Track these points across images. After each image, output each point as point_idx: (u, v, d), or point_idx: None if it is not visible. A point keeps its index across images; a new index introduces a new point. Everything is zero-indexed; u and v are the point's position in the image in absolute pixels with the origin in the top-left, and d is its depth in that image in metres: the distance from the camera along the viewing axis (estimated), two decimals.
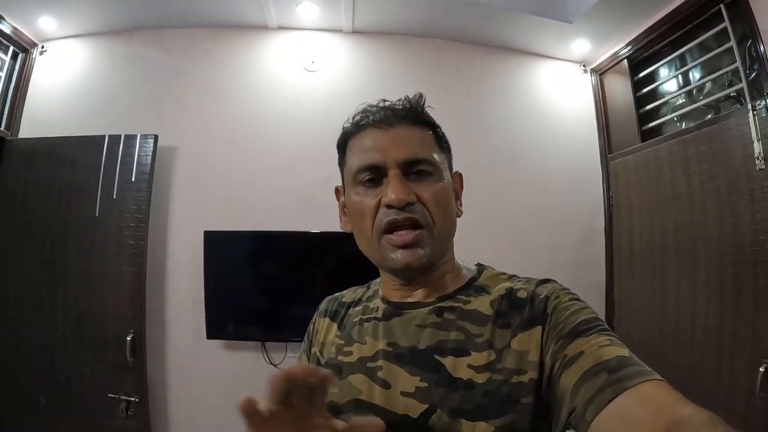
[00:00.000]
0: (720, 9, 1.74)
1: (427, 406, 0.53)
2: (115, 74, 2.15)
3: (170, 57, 2.15)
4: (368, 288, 0.73)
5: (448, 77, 2.22)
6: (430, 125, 0.64)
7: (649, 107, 2.10)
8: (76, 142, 2.01)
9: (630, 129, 2.14)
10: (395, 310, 0.63)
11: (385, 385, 0.57)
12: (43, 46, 2.26)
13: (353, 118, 0.64)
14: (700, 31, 1.88)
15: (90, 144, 1.98)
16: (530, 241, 2.16)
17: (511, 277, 0.64)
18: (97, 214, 1.90)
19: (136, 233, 1.86)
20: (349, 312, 0.70)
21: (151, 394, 1.89)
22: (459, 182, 0.69)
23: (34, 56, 2.27)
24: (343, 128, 0.66)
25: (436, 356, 0.55)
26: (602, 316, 2.05)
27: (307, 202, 1.97)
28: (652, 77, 2.12)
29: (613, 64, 2.23)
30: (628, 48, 2.12)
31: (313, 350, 0.71)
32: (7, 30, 2.12)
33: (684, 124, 1.97)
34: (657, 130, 2.08)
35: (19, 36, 2.20)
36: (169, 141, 2.00)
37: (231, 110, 2.08)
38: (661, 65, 2.07)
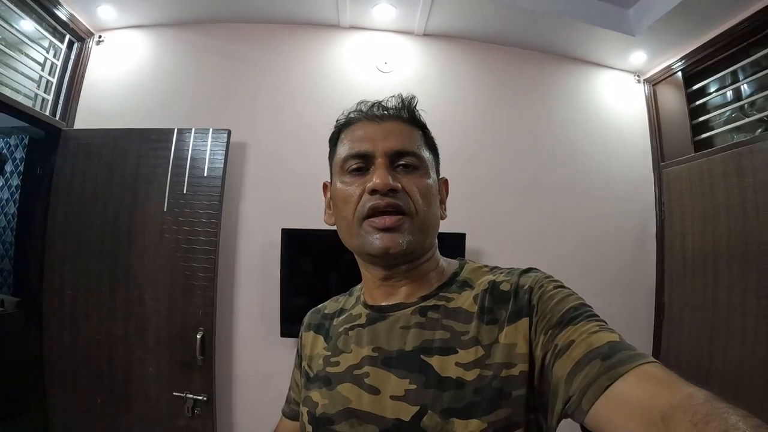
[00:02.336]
0: None
1: (418, 408, 0.55)
2: (179, 67, 2.29)
3: (240, 51, 2.29)
4: (350, 295, 0.77)
5: (513, 82, 2.44)
6: (420, 125, 0.70)
7: (701, 119, 2.33)
8: (140, 134, 2.13)
9: (683, 139, 2.38)
10: (378, 314, 0.66)
11: (374, 390, 0.60)
12: (100, 36, 2.38)
13: (347, 114, 0.70)
14: (754, 48, 2.11)
15: (157, 137, 2.11)
16: (583, 246, 2.39)
17: (492, 269, 0.67)
18: (165, 209, 2.04)
19: (209, 229, 2.00)
20: (333, 323, 0.73)
21: (217, 393, 2.03)
22: (445, 188, 0.73)
23: (90, 46, 2.39)
24: (336, 122, 0.71)
25: (422, 357, 0.58)
26: (651, 319, 2.30)
27: None
28: (704, 90, 2.35)
29: (666, 75, 2.47)
30: (683, 61, 2.35)
31: (303, 365, 0.75)
32: (63, 17, 2.24)
33: (735, 137, 2.21)
34: (709, 141, 2.32)
35: (75, 24, 2.31)
36: (239, 136, 2.15)
37: (304, 107, 2.23)
38: (714, 80, 2.30)
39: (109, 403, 2.10)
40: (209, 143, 2.06)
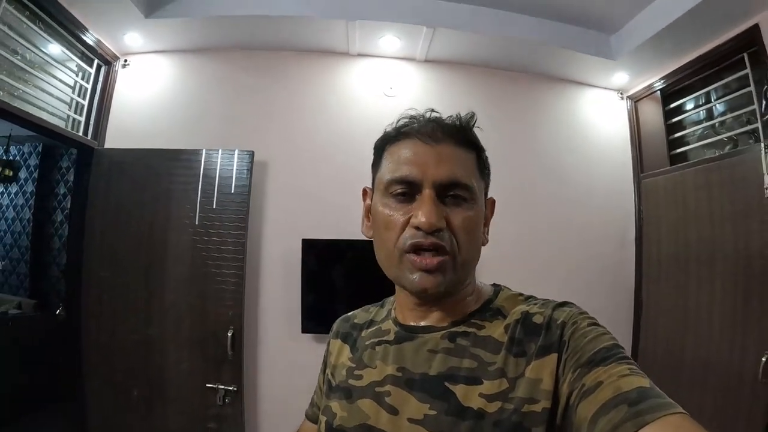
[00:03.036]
0: (743, 56, 2.30)
1: None
2: (202, 90, 2.58)
3: (259, 76, 2.59)
4: (382, 307, 0.78)
5: (506, 102, 2.77)
6: (476, 148, 0.67)
7: (677, 135, 2.67)
8: (170, 154, 2.42)
9: (660, 152, 2.71)
10: (407, 333, 0.66)
11: (393, 410, 0.60)
12: (125, 60, 2.64)
13: (397, 122, 0.67)
14: (725, 72, 2.44)
15: (187, 157, 2.40)
16: (570, 249, 2.73)
17: (527, 299, 0.67)
18: (196, 222, 2.34)
19: (237, 240, 2.31)
20: (362, 334, 0.74)
21: (245, 384, 2.35)
22: (491, 209, 0.71)
23: (116, 69, 2.65)
24: (385, 131, 0.68)
25: (446, 384, 0.58)
26: (631, 315, 2.65)
27: None
28: (680, 108, 2.69)
29: (647, 93, 2.80)
30: (662, 81, 2.68)
31: (327, 372, 0.76)
32: (90, 42, 2.49)
33: (707, 153, 2.55)
34: (684, 156, 2.66)
35: (102, 49, 2.57)
36: (260, 156, 2.45)
37: (318, 129, 2.54)
38: (689, 99, 2.63)
39: (144, 395, 2.40)
40: (235, 163, 2.35)
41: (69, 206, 3.90)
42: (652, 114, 2.81)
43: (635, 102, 2.91)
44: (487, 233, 0.70)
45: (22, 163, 4.01)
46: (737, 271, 2.21)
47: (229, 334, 2.28)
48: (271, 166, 2.52)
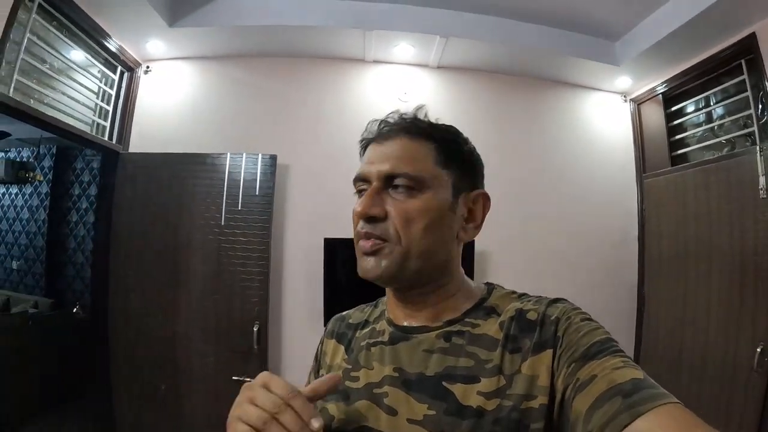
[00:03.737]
0: (741, 63, 2.49)
1: None
2: (223, 96, 2.77)
3: (279, 82, 2.78)
4: (375, 307, 0.79)
5: (514, 106, 2.98)
6: (431, 138, 0.67)
7: (678, 137, 2.87)
8: (195, 158, 2.60)
9: (662, 154, 2.91)
10: (402, 333, 0.68)
11: (391, 411, 0.62)
12: (147, 66, 2.81)
13: (367, 130, 0.72)
14: (724, 78, 2.63)
15: (212, 161, 2.58)
16: (575, 246, 2.94)
17: (520, 297, 0.68)
18: (222, 223, 2.52)
19: (261, 239, 2.50)
20: (356, 335, 0.75)
21: None
22: (482, 203, 0.72)
23: (138, 75, 2.81)
24: (360, 141, 0.73)
25: (444, 383, 0.60)
26: (634, 309, 2.86)
27: None
28: (681, 111, 2.88)
29: (650, 97, 3.00)
30: (664, 85, 2.87)
31: (320, 372, 0.78)
32: (113, 48, 2.65)
33: (706, 154, 2.74)
34: (684, 157, 2.86)
35: (124, 55, 2.73)
36: (283, 159, 2.64)
37: (336, 132, 2.72)
38: (690, 102, 2.83)
39: (171, 388, 2.58)
40: (259, 166, 2.54)
41: (84, 207, 4.07)
42: (654, 116, 3.01)
43: (638, 105, 3.11)
44: (476, 227, 0.71)
45: (36, 164, 4.17)
46: (733, 268, 2.39)
47: (255, 329, 2.47)
48: (293, 169, 2.71)
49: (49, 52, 2.38)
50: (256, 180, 2.53)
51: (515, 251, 2.84)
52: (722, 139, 2.67)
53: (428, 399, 0.60)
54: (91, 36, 2.54)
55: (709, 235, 2.55)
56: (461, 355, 0.62)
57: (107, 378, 2.63)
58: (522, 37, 2.67)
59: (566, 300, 0.66)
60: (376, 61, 2.84)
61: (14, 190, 4.31)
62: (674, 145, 2.91)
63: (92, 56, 2.66)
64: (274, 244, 2.59)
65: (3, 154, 4.39)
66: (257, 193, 2.52)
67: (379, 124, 0.70)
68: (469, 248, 2.66)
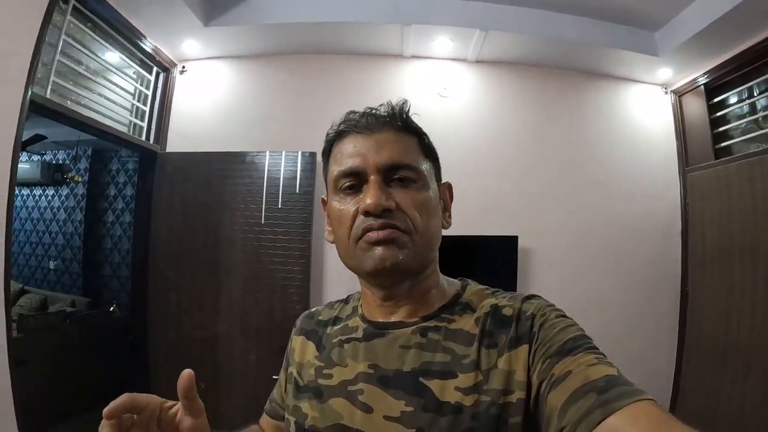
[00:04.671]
0: None
1: (414, 431, 0.57)
2: (260, 94, 2.79)
3: (315, 79, 2.79)
4: (346, 303, 0.77)
5: (553, 100, 2.95)
6: (416, 133, 0.68)
7: (721, 129, 2.80)
8: (233, 156, 2.61)
9: (705, 146, 2.85)
10: (377, 330, 0.67)
11: (367, 409, 0.61)
12: (183, 66, 2.83)
13: (337, 125, 0.68)
14: (767, 68, 2.55)
15: (251, 159, 2.59)
16: (618, 241, 2.90)
17: (494, 293, 0.68)
18: (262, 221, 2.53)
19: (302, 237, 2.51)
20: (327, 331, 0.73)
21: None
22: (449, 193, 0.73)
23: (174, 75, 2.83)
24: (327, 135, 0.70)
25: (421, 379, 0.60)
26: (677, 304, 2.80)
27: None
28: (724, 103, 2.81)
29: (691, 88, 2.93)
30: (706, 76, 2.81)
31: (290, 370, 0.75)
32: (149, 49, 2.68)
33: (751, 147, 2.67)
34: (728, 149, 2.79)
35: (160, 56, 2.76)
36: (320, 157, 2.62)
37: None
38: (733, 93, 2.76)
39: (211, 388, 2.60)
40: (299, 163, 2.54)
41: (120, 207, 4.12)
42: (696, 108, 2.95)
43: (679, 96, 3.04)
44: (449, 217, 0.72)
45: (73, 166, 4.24)
46: None
47: None
48: None
49: (84, 53, 2.42)
50: (296, 178, 2.54)
51: (558, 247, 2.81)
52: (767, 130, 2.59)
53: (405, 395, 0.59)
54: (126, 37, 2.58)
55: (754, 229, 2.50)
56: (438, 351, 0.61)
57: (146, 377, 2.67)
58: (560, 28, 2.64)
59: (541, 296, 0.66)
60: (415, 56, 2.83)
61: (51, 191, 4.39)
62: (717, 138, 2.84)
63: (128, 57, 2.69)
64: (315, 243, 2.59)
65: (39, 156, 4.47)
66: (297, 191, 2.53)
67: (360, 116, 0.67)
68: (512, 245, 2.62)
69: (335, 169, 0.66)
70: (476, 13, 2.53)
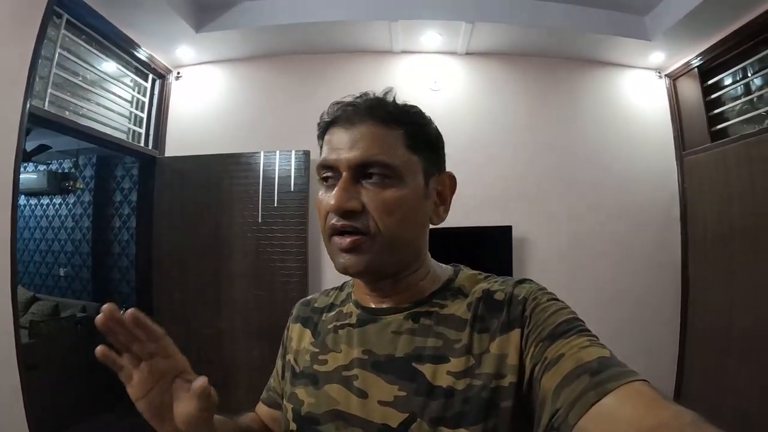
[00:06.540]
0: None
1: (407, 415, 0.58)
2: (254, 96, 2.87)
3: (307, 79, 2.86)
4: (341, 290, 0.79)
5: (547, 88, 2.98)
6: (400, 123, 0.65)
7: (717, 111, 2.79)
8: (229, 158, 2.69)
9: (701, 129, 2.85)
10: (370, 316, 0.68)
11: (362, 394, 0.62)
12: (178, 72, 2.91)
13: (327, 111, 0.68)
14: (761, 46, 2.54)
15: (246, 160, 2.67)
16: (616, 229, 2.91)
17: (487, 278, 0.69)
18: (260, 220, 2.60)
19: (299, 235, 2.59)
20: (323, 318, 0.75)
21: None
22: (448, 184, 0.71)
23: (169, 81, 2.92)
24: (318, 123, 0.69)
25: (413, 364, 0.61)
26: (678, 291, 2.80)
27: None
28: (718, 84, 2.81)
29: (685, 71, 2.94)
30: (699, 58, 2.81)
31: (287, 357, 0.77)
32: (143, 57, 2.76)
33: (746, 127, 2.66)
34: (724, 131, 2.78)
35: (155, 63, 2.84)
36: (316, 155, 2.67)
37: None
38: (727, 74, 2.75)
39: (217, 385, 2.67)
40: (293, 162, 2.61)
41: (126, 213, 4.24)
42: (690, 91, 2.95)
43: (673, 80, 3.04)
44: (445, 211, 0.70)
45: (78, 174, 4.37)
46: None
47: None
48: None
49: (80, 65, 2.51)
50: (290, 177, 2.61)
51: (553, 235, 2.84)
52: (762, 111, 2.59)
53: (398, 380, 0.60)
54: (120, 47, 2.66)
55: (754, 213, 2.49)
56: (430, 336, 0.62)
57: None
58: (548, 17, 2.66)
59: (532, 280, 0.66)
60: (405, 52, 2.88)
61: (58, 200, 4.54)
62: (713, 120, 2.83)
63: (123, 66, 2.78)
64: (312, 239, 2.66)
65: (45, 166, 4.62)
66: (292, 190, 2.60)
67: (343, 107, 0.65)
68: (506, 235, 2.66)
69: (319, 158, 0.67)
70: (462, 5, 2.57)
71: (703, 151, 2.81)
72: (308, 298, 0.83)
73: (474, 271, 0.71)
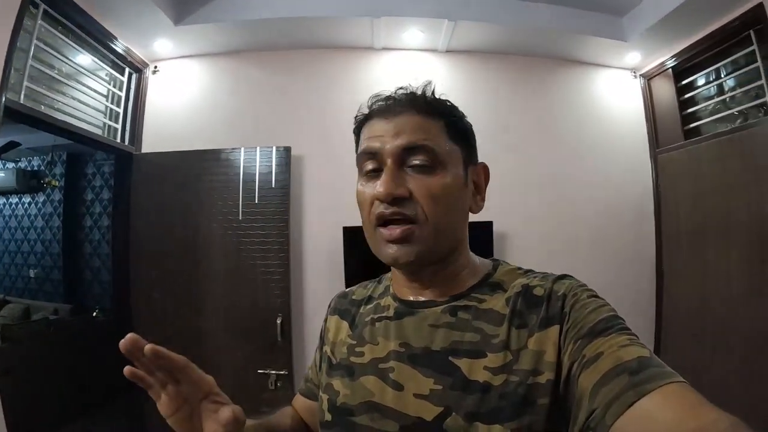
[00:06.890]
0: (750, 34, 2.50)
1: (442, 408, 0.58)
2: (233, 91, 2.82)
3: (288, 74, 2.83)
4: (379, 283, 0.80)
5: (523, 88, 3.02)
6: (441, 114, 0.67)
7: (690, 110, 2.88)
8: (208, 154, 2.64)
9: (674, 128, 2.94)
10: (407, 308, 0.69)
11: (398, 386, 0.62)
12: (155, 66, 2.85)
13: (362, 108, 0.71)
14: (734, 49, 2.64)
15: (226, 156, 2.62)
16: (592, 224, 2.98)
17: (526, 273, 0.69)
18: (240, 218, 2.56)
19: (280, 231, 2.55)
20: (360, 310, 0.76)
21: (295, 367, 2.59)
22: (483, 174, 0.73)
23: (146, 75, 2.85)
24: (355, 117, 0.72)
25: (450, 358, 0.60)
26: (653, 284, 2.88)
27: None
28: (692, 85, 2.90)
29: (660, 71, 3.02)
30: (674, 59, 2.89)
31: (324, 349, 0.79)
32: (120, 50, 2.69)
33: (719, 126, 2.76)
34: (697, 130, 2.88)
35: (132, 56, 2.77)
36: (297, 150, 2.69)
37: (349, 121, 2.73)
38: (701, 75, 2.84)
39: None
40: (274, 158, 2.58)
41: (98, 212, 4.13)
42: (665, 91, 3.03)
43: (648, 80, 3.13)
44: (482, 200, 0.72)
45: (47, 172, 4.23)
46: (752, 239, 2.42)
47: (278, 322, 2.52)
48: (308, 160, 2.76)
49: (56, 57, 2.43)
50: (271, 173, 2.58)
51: (532, 231, 2.88)
52: (734, 110, 2.69)
53: (434, 374, 0.61)
54: (97, 39, 2.58)
55: (726, 208, 2.57)
56: (467, 330, 0.62)
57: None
58: (527, 16, 2.71)
59: (572, 276, 0.66)
60: (386, 48, 2.88)
61: (27, 199, 4.40)
62: (687, 119, 2.92)
63: (99, 59, 2.70)
64: (293, 236, 2.64)
65: (14, 164, 4.46)
66: (273, 186, 2.57)
67: (383, 99, 0.69)
68: (487, 230, 2.68)
69: (358, 150, 0.69)
70: (445, 3, 2.59)
71: (676, 148, 2.90)
72: (346, 290, 0.85)
73: (514, 266, 0.72)
